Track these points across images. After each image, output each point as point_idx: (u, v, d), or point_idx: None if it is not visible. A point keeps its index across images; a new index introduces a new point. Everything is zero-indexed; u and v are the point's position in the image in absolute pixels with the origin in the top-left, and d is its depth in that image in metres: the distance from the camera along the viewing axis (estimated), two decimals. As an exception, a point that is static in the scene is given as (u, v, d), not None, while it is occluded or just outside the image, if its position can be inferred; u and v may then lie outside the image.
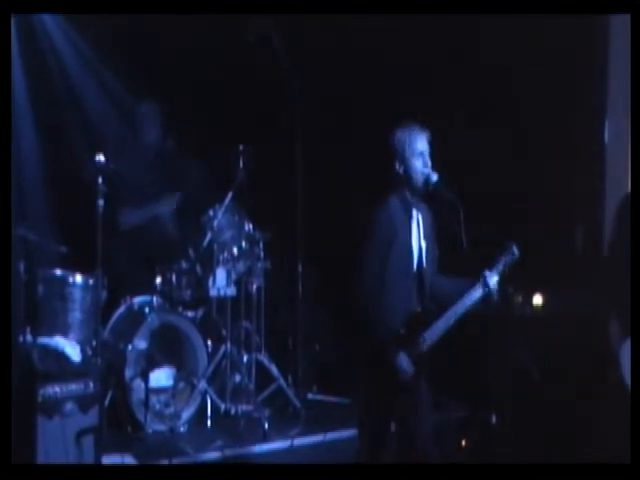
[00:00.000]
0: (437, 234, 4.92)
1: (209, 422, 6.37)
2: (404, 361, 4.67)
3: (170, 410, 6.23)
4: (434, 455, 4.80)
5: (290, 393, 6.65)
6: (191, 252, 6.47)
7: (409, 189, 4.82)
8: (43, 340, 5.55)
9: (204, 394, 6.33)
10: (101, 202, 5.63)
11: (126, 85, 7.04)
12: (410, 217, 4.82)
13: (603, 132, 6.70)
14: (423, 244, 4.84)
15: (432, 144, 4.85)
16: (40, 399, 5.11)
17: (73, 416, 5.20)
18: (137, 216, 6.65)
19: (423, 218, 4.87)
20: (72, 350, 5.49)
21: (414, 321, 4.77)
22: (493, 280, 4.79)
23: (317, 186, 7.09)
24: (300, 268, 6.92)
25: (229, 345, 6.45)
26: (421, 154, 4.80)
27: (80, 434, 5.19)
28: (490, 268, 4.82)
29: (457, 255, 4.72)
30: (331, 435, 6.13)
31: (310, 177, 6.98)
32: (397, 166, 4.80)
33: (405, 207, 4.82)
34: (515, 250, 4.89)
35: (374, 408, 4.75)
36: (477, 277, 4.78)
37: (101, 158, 5.66)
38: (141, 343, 6.16)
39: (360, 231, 4.79)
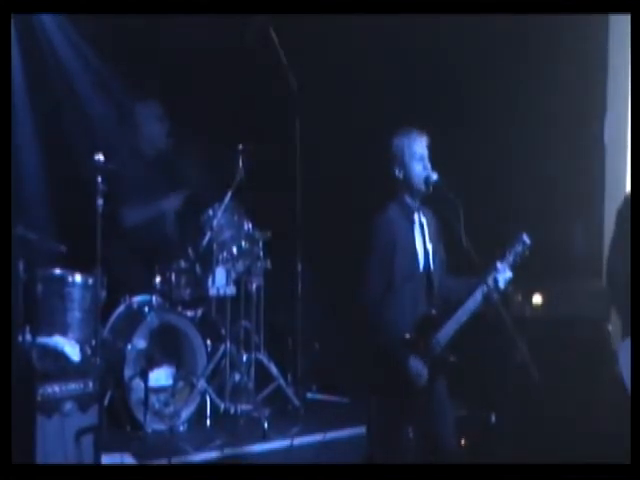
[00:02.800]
0: (443, 236, 4.92)
1: (208, 421, 6.36)
2: (417, 366, 4.66)
3: (169, 409, 6.23)
4: (458, 455, 4.80)
5: (289, 392, 6.65)
6: (190, 251, 6.46)
7: (410, 193, 4.83)
8: (42, 339, 5.55)
9: (203, 393, 6.33)
10: (100, 201, 5.63)
11: (126, 84, 7.03)
12: (412, 222, 4.83)
13: (603, 132, 6.69)
14: (429, 247, 4.85)
15: (430, 147, 4.86)
16: (39, 398, 5.11)
17: (72, 415, 5.21)
18: (141, 214, 6.63)
19: (427, 221, 4.88)
20: (71, 349, 5.49)
21: (425, 325, 4.76)
22: (504, 273, 4.78)
23: (316, 186, 7.09)
24: (300, 267, 6.92)
25: (228, 344, 6.44)
26: (420, 158, 4.82)
27: (79, 433, 5.19)
28: (501, 259, 4.83)
29: (460, 254, 4.72)
30: (331, 434, 6.12)
31: (309, 176, 6.98)
32: (397, 171, 4.82)
33: (406, 212, 4.82)
34: (526, 239, 4.88)
35: (389, 411, 4.73)
36: (484, 274, 4.78)
37: (100, 157, 5.65)
38: (140, 342, 6.15)
39: (361, 240, 4.79)
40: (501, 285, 4.78)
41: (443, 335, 4.74)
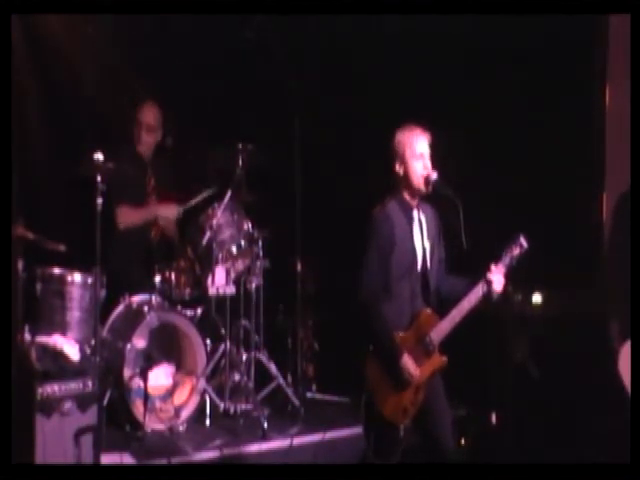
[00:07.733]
0: (443, 234, 4.91)
1: (208, 421, 6.35)
2: (410, 363, 4.65)
3: (169, 409, 6.23)
4: (454, 455, 4.79)
5: (289, 392, 6.65)
6: (190, 251, 6.46)
7: (409, 191, 4.82)
8: (42, 339, 5.54)
9: (203, 393, 6.33)
10: (100, 200, 5.62)
11: (126, 84, 7.03)
12: (410, 219, 4.82)
13: (603, 132, 6.69)
14: (427, 245, 4.84)
15: (432, 146, 4.85)
16: (39, 398, 5.10)
17: (72, 415, 5.21)
18: (136, 216, 6.63)
19: (426, 219, 4.87)
20: (71, 349, 5.48)
21: (420, 322, 4.75)
22: (498, 274, 4.76)
23: (316, 185, 7.09)
24: (299, 267, 6.92)
25: (228, 344, 6.44)
26: (421, 156, 4.80)
27: (79, 433, 5.19)
28: (496, 261, 4.80)
29: (459, 253, 4.71)
30: (330, 434, 6.12)
31: (309, 176, 6.97)
32: (397, 168, 4.81)
33: (404, 209, 4.81)
34: (523, 242, 4.84)
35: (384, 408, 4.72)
36: (482, 273, 4.77)
37: (99, 156, 5.65)
38: (140, 342, 6.14)
39: (359, 236, 4.78)
40: (495, 288, 4.75)
41: (436, 334, 4.73)
